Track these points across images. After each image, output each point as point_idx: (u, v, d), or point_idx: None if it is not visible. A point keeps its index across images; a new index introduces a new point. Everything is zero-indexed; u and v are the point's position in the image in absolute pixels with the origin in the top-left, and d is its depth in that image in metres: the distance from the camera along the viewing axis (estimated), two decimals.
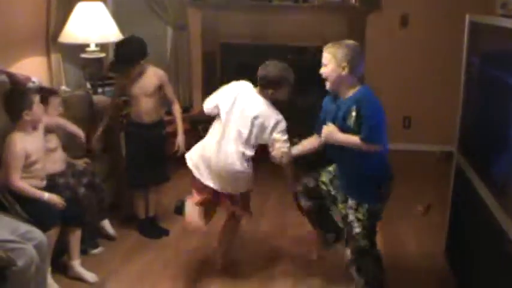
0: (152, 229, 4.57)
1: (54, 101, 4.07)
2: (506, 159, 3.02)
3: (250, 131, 3.62)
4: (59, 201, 3.66)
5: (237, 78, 6.72)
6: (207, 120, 6.12)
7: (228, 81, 6.81)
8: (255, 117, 3.61)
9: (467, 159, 3.72)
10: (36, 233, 3.35)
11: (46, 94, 4.03)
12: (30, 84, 4.39)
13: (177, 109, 4.57)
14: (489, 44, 3.47)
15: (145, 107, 4.39)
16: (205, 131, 3.97)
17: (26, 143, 3.60)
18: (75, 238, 3.87)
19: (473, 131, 3.71)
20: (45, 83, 5.00)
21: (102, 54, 5.33)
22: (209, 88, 6.86)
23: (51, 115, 4.00)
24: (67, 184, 3.98)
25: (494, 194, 3.10)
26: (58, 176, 3.99)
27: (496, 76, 3.23)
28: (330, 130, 3.38)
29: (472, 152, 3.69)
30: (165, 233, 4.59)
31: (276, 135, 3.60)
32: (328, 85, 3.45)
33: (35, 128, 3.70)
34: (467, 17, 3.74)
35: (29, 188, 3.61)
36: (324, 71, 3.44)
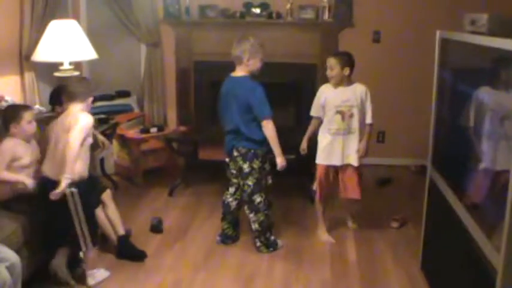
0: (129, 250, 4.42)
1: (26, 116, 4.03)
2: (476, 172, 3.06)
3: None
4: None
5: (211, 96, 6.79)
6: (181, 139, 6.16)
7: (202, 99, 6.86)
8: None
9: (440, 173, 3.75)
10: (9, 254, 3.31)
11: (17, 110, 4.07)
12: (3, 103, 4.36)
13: None
14: (459, 60, 3.52)
15: None
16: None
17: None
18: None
19: (444, 144, 3.75)
20: (19, 102, 4.96)
21: (76, 73, 5.29)
22: (183, 106, 6.91)
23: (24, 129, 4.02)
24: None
25: (466, 207, 3.13)
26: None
27: (465, 90, 3.28)
28: None
29: (444, 165, 3.72)
30: (143, 255, 4.43)
31: None
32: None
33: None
34: (437, 33, 3.79)
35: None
36: None
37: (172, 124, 6.89)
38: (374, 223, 4.98)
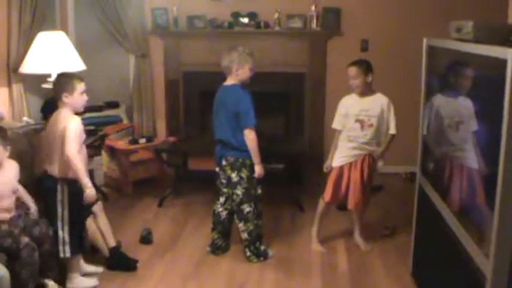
0: (121, 260, 4.40)
1: None
2: (463, 179, 3.07)
3: None
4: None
5: (200, 107, 6.80)
6: (170, 149, 6.15)
7: (191, 109, 6.85)
8: None
9: (429, 180, 3.76)
10: None
11: None
12: None
13: None
14: (445, 67, 3.54)
15: None
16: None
17: None
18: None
19: (432, 151, 3.77)
20: (7, 114, 4.94)
21: None
22: (172, 116, 6.90)
23: None
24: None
25: (454, 213, 3.14)
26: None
27: (450, 96, 3.30)
28: None
29: (432, 172, 3.73)
30: (135, 263, 4.42)
31: None
32: None
33: None
34: (424, 40, 3.81)
35: None
36: None
37: (161, 135, 6.88)
38: (365, 230, 4.96)
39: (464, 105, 3.03)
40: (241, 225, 4.51)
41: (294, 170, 5.80)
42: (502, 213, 2.49)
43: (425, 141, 3.90)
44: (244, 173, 4.40)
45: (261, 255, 4.55)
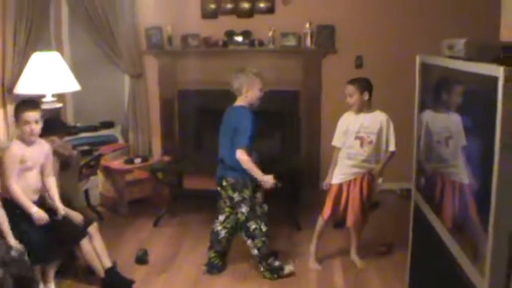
0: (117, 281, 4.37)
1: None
2: (457, 196, 3.07)
3: None
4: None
5: (196, 125, 6.79)
6: (165, 169, 6.14)
7: (186, 127, 6.85)
8: None
9: (424, 196, 3.75)
10: None
11: None
12: None
13: None
14: (438, 84, 3.54)
15: None
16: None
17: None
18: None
19: (426, 167, 3.76)
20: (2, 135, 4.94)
21: (59, 105, 5.30)
22: (168, 135, 6.90)
23: None
24: None
25: (449, 230, 3.13)
26: None
27: (443, 113, 3.30)
28: None
29: (426, 189, 3.73)
30: (131, 283, 4.40)
31: None
32: None
33: None
34: (417, 58, 3.82)
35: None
36: None
37: (157, 154, 6.87)
38: (361, 247, 4.95)
39: (456, 121, 3.03)
40: (249, 242, 4.49)
41: (290, 188, 5.79)
42: (496, 230, 2.48)
43: (419, 158, 3.90)
44: (246, 194, 4.40)
45: (275, 272, 4.49)
